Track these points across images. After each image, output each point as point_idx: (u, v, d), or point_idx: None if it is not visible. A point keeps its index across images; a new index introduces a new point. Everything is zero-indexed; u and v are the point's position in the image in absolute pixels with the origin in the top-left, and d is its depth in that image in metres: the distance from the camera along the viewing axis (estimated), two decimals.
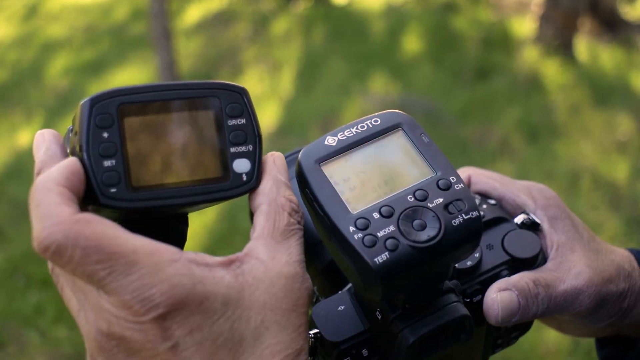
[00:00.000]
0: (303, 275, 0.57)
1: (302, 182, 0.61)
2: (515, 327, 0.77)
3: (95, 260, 0.51)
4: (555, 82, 6.55)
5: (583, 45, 7.59)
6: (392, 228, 0.58)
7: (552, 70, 6.72)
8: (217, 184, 0.60)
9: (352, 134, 0.63)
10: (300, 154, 0.62)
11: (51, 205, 0.51)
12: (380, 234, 0.58)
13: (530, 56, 7.07)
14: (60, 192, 0.52)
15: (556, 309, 0.72)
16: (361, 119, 0.65)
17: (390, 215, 0.59)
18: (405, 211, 0.59)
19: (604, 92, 6.30)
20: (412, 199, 0.60)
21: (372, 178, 0.61)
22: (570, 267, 0.72)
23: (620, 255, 0.77)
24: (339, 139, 0.63)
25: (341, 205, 0.59)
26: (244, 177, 0.61)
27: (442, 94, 6.19)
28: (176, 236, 0.65)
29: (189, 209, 0.64)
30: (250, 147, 0.62)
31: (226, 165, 0.61)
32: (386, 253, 0.57)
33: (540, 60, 6.92)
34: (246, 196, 0.62)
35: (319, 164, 0.62)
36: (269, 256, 0.56)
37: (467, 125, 5.64)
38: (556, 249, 0.74)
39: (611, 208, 4.52)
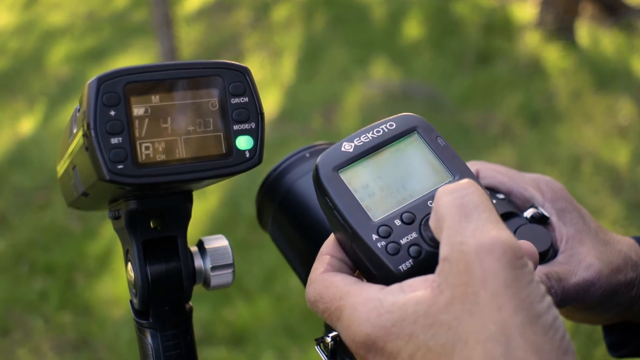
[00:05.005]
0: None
1: (322, 190, 0.61)
2: None
3: (322, 306, 0.58)
4: (557, 67, 6.54)
5: (584, 30, 7.57)
6: (414, 235, 0.59)
7: (553, 56, 6.72)
8: (221, 160, 0.62)
9: (368, 139, 0.63)
10: (317, 161, 0.62)
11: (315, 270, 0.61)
12: (403, 241, 0.58)
13: (531, 41, 7.06)
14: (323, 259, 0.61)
15: (568, 302, 0.73)
16: (376, 123, 0.65)
17: (411, 222, 0.59)
18: (426, 217, 0.59)
19: (605, 77, 6.30)
20: (432, 204, 0.60)
21: (391, 183, 0.62)
22: (581, 260, 0.73)
23: (627, 244, 0.78)
24: (355, 144, 0.63)
25: (362, 212, 0.59)
26: (247, 154, 0.63)
27: (444, 79, 6.19)
28: (182, 212, 0.67)
29: (193, 186, 0.66)
30: (253, 125, 0.64)
31: (229, 143, 0.63)
32: (410, 260, 0.58)
33: (541, 46, 6.91)
34: (249, 179, 0.63)
35: (337, 171, 0.61)
36: None
37: (469, 110, 5.65)
38: (565, 241, 0.75)
39: (612, 192, 4.54)
